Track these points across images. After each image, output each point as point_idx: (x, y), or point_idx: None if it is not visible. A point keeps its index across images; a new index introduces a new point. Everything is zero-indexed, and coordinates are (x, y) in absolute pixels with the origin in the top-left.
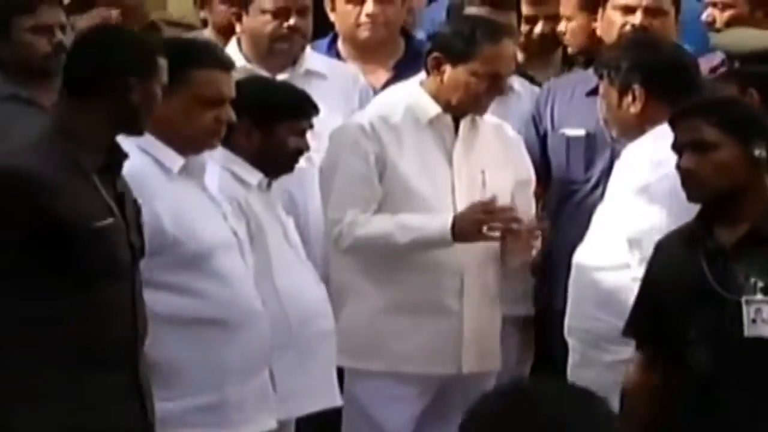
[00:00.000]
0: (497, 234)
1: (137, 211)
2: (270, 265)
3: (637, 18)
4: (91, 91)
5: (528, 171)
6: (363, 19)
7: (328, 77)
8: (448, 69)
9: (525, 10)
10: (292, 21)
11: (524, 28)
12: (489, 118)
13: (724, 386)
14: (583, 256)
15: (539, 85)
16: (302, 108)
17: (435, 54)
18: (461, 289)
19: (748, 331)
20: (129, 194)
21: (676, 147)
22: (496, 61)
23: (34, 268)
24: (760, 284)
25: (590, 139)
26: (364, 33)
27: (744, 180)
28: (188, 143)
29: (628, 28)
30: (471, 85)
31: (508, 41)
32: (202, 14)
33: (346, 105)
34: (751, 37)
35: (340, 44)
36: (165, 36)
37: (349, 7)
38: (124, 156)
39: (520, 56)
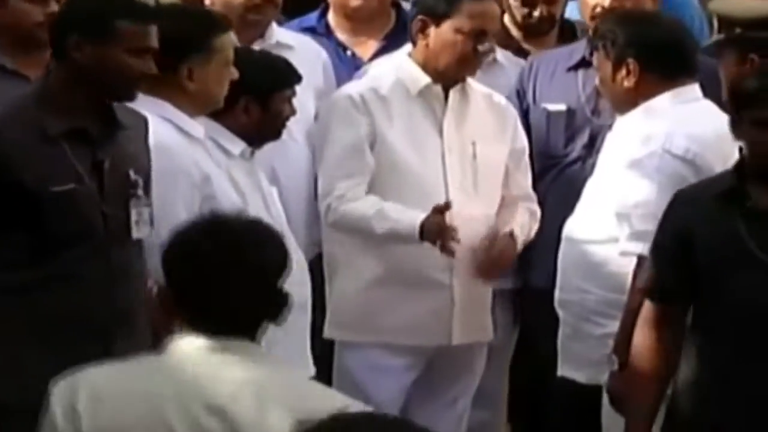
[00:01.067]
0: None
1: (130, 183)
2: None
3: (606, 0)
4: (55, 53)
5: (522, 140)
6: None
7: (295, 49)
8: (432, 30)
9: None
10: None
11: (523, 10)
12: (480, 88)
13: (761, 353)
14: (572, 229)
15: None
16: (290, 76)
17: (419, 17)
18: (451, 262)
19: None
20: (120, 165)
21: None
22: (479, 16)
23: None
24: None
25: (570, 114)
26: (354, 2)
27: None
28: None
29: (598, 10)
30: (457, 43)
31: None
32: None
33: (311, 77)
34: (749, 4)
35: (330, 16)
36: None
37: None
38: (117, 125)
39: (516, 34)
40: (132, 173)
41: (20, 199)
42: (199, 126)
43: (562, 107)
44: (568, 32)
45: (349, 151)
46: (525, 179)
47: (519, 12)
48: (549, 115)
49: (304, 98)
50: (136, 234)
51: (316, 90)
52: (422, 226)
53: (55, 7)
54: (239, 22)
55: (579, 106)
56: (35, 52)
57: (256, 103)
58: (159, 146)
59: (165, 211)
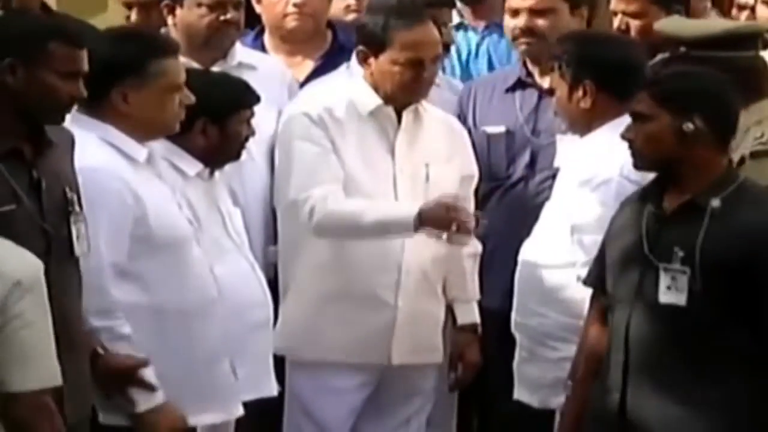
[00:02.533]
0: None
1: (68, 201)
2: (207, 255)
3: (521, 20)
4: None
5: (472, 166)
6: (290, 9)
7: (258, 69)
8: (372, 61)
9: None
10: (228, 14)
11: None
12: (436, 111)
13: (633, 347)
14: (529, 253)
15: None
16: (248, 97)
17: (359, 48)
18: (398, 282)
19: (663, 297)
20: (55, 183)
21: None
22: (413, 47)
23: None
24: (681, 254)
25: (510, 136)
26: (291, 23)
27: (674, 152)
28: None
29: (517, 32)
30: (395, 74)
31: (422, 25)
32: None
33: (276, 97)
34: (693, 24)
35: (266, 37)
36: None
37: None
38: (48, 144)
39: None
40: (68, 190)
41: None
42: (142, 149)
43: (501, 129)
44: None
45: (319, 161)
46: (470, 206)
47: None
48: (489, 137)
49: (266, 118)
50: (77, 250)
51: (280, 110)
52: (421, 213)
53: None
54: (202, 44)
55: (518, 127)
56: None
57: (214, 125)
58: (88, 167)
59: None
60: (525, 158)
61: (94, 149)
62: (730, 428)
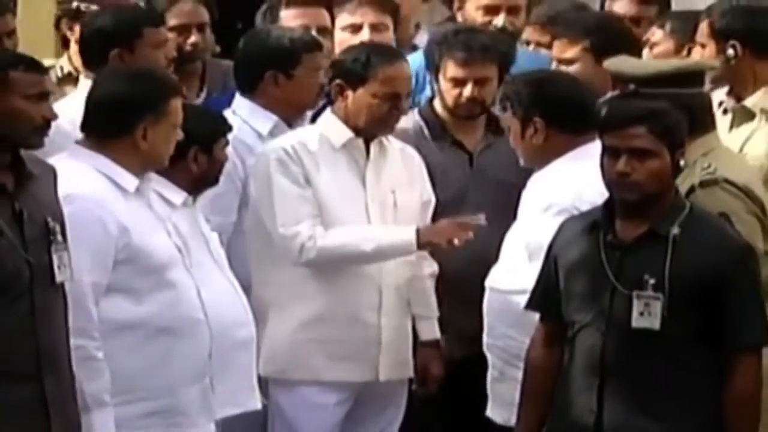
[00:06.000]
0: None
1: (49, 230)
2: (194, 279)
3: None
4: None
5: (429, 192)
6: None
7: None
8: (350, 94)
9: (453, 72)
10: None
11: (453, 92)
12: (395, 141)
13: (608, 370)
14: (494, 279)
15: (468, 152)
16: (227, 123)
17: (337, 81)
18: (380, 303)
19: (636, 322)
20: (37, 213)
21: (612, 151)
22: (392, 81)
23: None
24: (651, 281)
25: None
26: None
27: (668, 185)
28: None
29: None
30: (373, 106)
31: (402, 63)
32: None
33: None
34: (641, 63)
35: None
36: None
37: None
38: (29, 176)
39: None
40: (50, 220)
41: None
42: (133, 179)
43: None
44: (494, 121)
45: (297, 198)
46: None
47: (449, 95)
48: None
49: None
50: (59, 278)
51: None
52: (419, 231)
53: None
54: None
55: None
56: None
57: (203, 152)
58: (76, 194)
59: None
60: None
61: (85, 178)
62: None
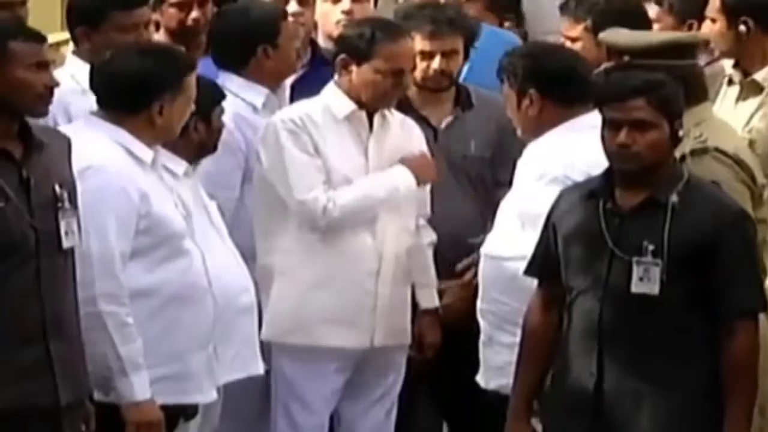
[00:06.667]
0: None
1: (56, 197)
2: (199, 248)
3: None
4: None
5: None
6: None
7: None
8: (354, 69)
9: (421, 45)
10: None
11: (421, 65)
12: (396, 114)
13: (606, 335)
14: (488, 246)
15: (432, 127)
16: (220, 91)
17: (342, 56)
18: (378, 270)
19: (635, 287)
20: (45, 181)
21: (612, 123)
22: (396, 58)
23: None
24: (651, 247)
25: None
26: None
27: (668, 155)
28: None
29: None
30: (377, 82)
31: (406, 39)
32: (155, 17)
33: None
34: (635, 35)
35: None
36: None
37: None
38: (38, 144)
39: (413, 94)
40: (58, 187)
41: None
42: (149, 151)
43: None
44: (464, 95)
45: (309, 165)
46: (427, 200)
47: (418, 68)
48: None
49: None
50: (66, 244)
51: None
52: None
53: None
54: None
55: None
56: None
57: (202, 121)
58: (98, 165)
59: (95, 222)
60: None
61: (105, 149)
62: (687, 403)
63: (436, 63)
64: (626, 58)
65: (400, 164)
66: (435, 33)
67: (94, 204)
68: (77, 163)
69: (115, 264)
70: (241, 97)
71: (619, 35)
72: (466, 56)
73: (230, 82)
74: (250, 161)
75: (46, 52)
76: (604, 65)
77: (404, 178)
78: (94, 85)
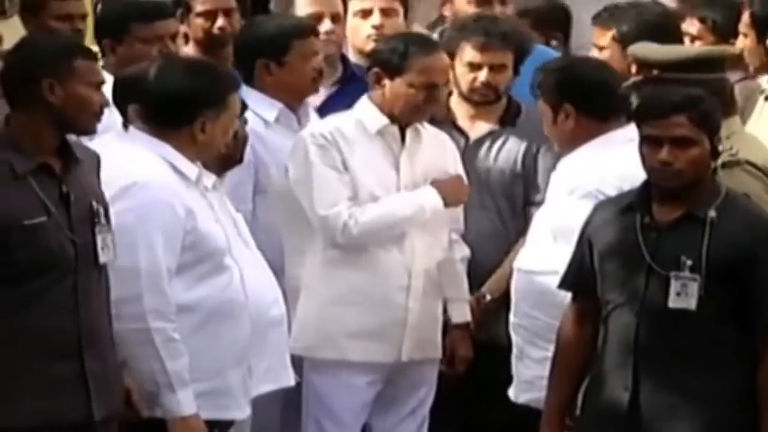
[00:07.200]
0: None
1: (94, 212)
2: (236, 263)
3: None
4: (20, 100)
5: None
6: (323, 36)
7: None
8: (387, 83)
9: (471, 56)
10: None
11: (468, 76)
12: (430, 128)
13: (642, 349)
14: (521, 261)
15: (466, 138)
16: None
17: (375, 70)
18: (408, 285)
19: (673, 302)
20: (83, 196)
21: (653, 140)
22: (429, 72)
23: None
24: (689, 262)
25: None
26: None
27: (707, 171)
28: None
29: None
30: (410, 96)
31: (439, 53)
32: (183, 28)
33: None
34: (664, 49)
35: None
36: None
37: None
38: (75, 160)
39: (463, 110)
40: (94, 203)
41: None
42: (194, 168)
43: None
44: (512, 112)
45: (335, 181)
46: (460, 216)
47: (464, 79)
48: None
49: None
50: (102, 258)
51: None
52: (437, 187)
53: None
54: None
55: None
56: None
57: None
58: (144, 180)
59: (143, 237)
60: None
61: (150, 164)
62: (723, 415)
63: (483, 75)
64: (655, 71)
65: (430, 185)
66: (486, 45)
67: (141, 219)
68: (120, 179)
69: (163, 279)
70: (252, 111)
71: (648, 49)
72: (516, 72)
73: (246, 95)
74: (259, 174)
75: (101, 72)
76: (633, 79)
77: (431, 199)
78: (120, 99)
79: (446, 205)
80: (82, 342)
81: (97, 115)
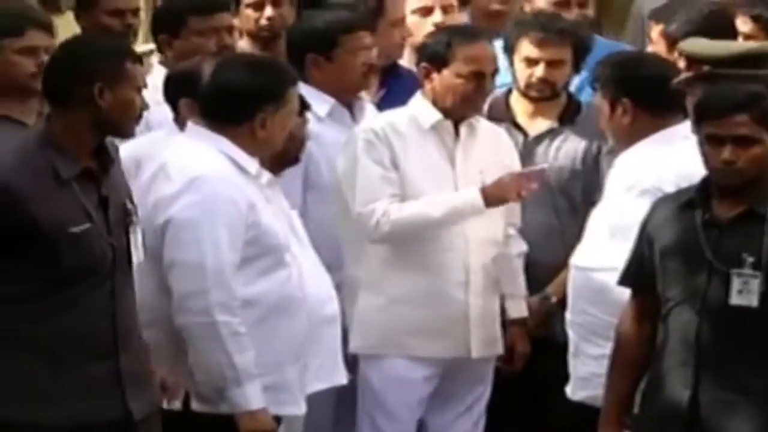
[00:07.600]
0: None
1: (127, 213)
2: (295, 259)
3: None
4: (65, 101)
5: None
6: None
7: None
8: (436, 76)
9: (527, 51)
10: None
11: (525, 71)
12: (486, 123)
13: (704, 346)
14: (578, 258)
15: (525, 135)
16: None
17: (423, 65)
18: (467, 281)
19: (734, 300)
20: (117, 197)
21: (715, 139)
22: (475, 60)
23: (8, 272)
24: (750, 259)
25: None
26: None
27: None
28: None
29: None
30: (458, 85)
31: (483, 42)
32: (237, 22)
33: None
34: (714, 45)
35: None
36: None
37: None
38: (111, 161)
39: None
40: (127, 202)
41: (37, 240)
42: (254, 162)
43: None
44: (572, 109)
45: (379, 178)
46: (517, 210)
47: (522, 74)
48: None
49: None
50: (136, 259)
51: None
52: (484, 190)
53: (44, 58)
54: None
55: None
56: (29, 100)
57: None
58: (207, 175)
59: (208, 231)
60: None
61: (211, 159)
62: None
63: (539, 71)
64: (705, 67)
65: (475, 186)
66: (543, 41)
67: (204, 214)
68: (184, 174)
69: (228, 274)
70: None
71: (699, 45)
72: (578, 69)
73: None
74: (310, 170)
75: (144, 76)
76: (684, 75)
77: (471, 200)
78: (172, 93)
79: (488, 205)
80: (118, 342)
81: (137, 119)
